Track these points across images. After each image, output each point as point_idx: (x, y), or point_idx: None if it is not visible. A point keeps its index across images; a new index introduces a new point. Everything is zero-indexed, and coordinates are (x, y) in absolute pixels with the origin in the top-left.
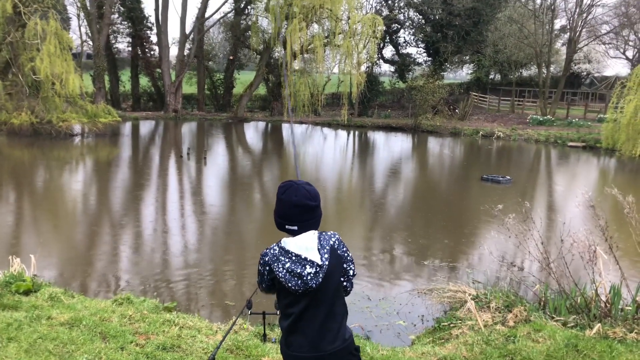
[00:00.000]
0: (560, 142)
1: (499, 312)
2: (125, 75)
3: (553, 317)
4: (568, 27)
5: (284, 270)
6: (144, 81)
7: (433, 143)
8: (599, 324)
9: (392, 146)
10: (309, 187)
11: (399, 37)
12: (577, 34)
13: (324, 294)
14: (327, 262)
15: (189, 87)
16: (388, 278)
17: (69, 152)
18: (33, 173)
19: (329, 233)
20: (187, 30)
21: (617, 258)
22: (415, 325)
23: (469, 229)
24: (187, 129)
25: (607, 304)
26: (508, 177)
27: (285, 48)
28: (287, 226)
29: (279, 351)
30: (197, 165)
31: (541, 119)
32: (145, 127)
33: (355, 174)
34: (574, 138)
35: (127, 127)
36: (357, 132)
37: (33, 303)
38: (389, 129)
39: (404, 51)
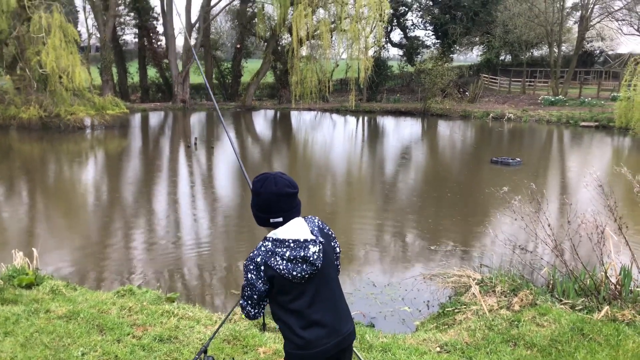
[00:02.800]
0: (572, 122)
1: (505, 297)
2: (133, 67)
3: (561, 300)
4: (580, 4)
5: (285, 261)
6: (152, 72)
7: (443, 126)
8: (607, 307)
9: (401, 131)
10: (285, 176)
11: (407, 20)
12: (589, 10)
13: (328, 274)
14: (322, 241)
15: (197, 77)
16: (394, 263)
17: (78, 145)
18: (43, 167)
19: (310, 216)
20: (193, 20)
21: (627, 238)
22: (420, 311)
23: (477, 212)
24: (196, 119)
25: (617, 286)
26: (518, 159)
27: (291, 34)
28: (271, 219)
29: (276, 341)
30: (206, 155)
31: (553, 99)
32: (154, 118)
33: (365, 160)
34: (587, 118)
35: (135, 119)
36: (366, 118)
37: (34, 296)
38: (398, 113)
39: (412, 34)
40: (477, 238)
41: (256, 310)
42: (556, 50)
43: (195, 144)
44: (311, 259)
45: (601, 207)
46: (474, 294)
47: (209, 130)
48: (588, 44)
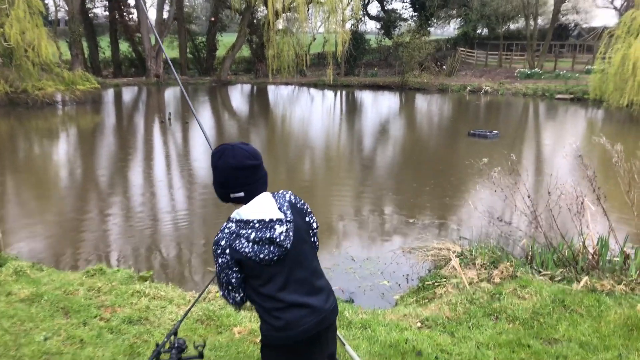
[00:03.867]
0: (548, 94)
1: (485, 269)
2: (104, 42)
3: (540, 272)
4: None
5: (250, 243)
6: (124, 47)
7: (420, 100)
8: (587, 277)
9: (379, 105)
10: (246, 147)
11: None
12: None
13: (301, 253)
14: (292, 218)
15: (171, 52)
16: (373, 237)
17: (47, 121)
18: (12, 144)
19: (281, 191)
20: None
21: (605, 209)
22: (399, 285)
23: (456, 185)
24: (171, 94)
25: (594, 256)
26: (495, 132)
27: (267, 7)
28: (231, 195)
29: (252, 320)
30: (181, 130)
31: (529, 72)
32: (127, 93)
33: (343, 134)
34: (562, 90)
35: (108, 95)
36: (344, 92)
37: None
38: (376, 87)
39: (390, 7)
40: (456, 211)
41: (242, 294)
42: (532, 23)
43: (169, 119)
44: (278, 240)
45: (579, 178)
46: (454, 266)
47: (184, 105)
48: (563, 17)
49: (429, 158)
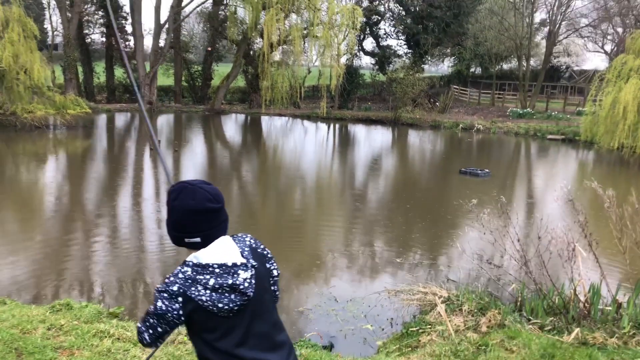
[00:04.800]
0: (539, 134)
1: (472, 316)
2: (100, 67)
3: (530, 320)
4: (548, 20)
5: (208, 291)
6: (119, 72)
7: (413, 136)
8: (578, 329)
9: (372, 139)
10: (208, 187)
11: (379, 28)
12: (557, 26)
13: (262, 303)
14: (254, 263)
15: (166, 79)
16: (358, 277)
17: (35, 144)
18: None
19: (240, 234)
20: (162, 20)
21: (596, 255)
22: (383, 329)
23: (445, 224)
24: (164, 121)
25: (585, 304)
26: (487, 170)
27: (263, 38)
28: (186, 239)
29: None
30: (172, 158)
31: (521, 111)
32: (119, 119)
33: (336, 167)
34: (554, 131)
35: (100, 120)
36: (337, 125)
37: None
38: (369, 121)
39: (384, 43)
40: (445, 251)
41: (153, 343)
42: (525, 64)
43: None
44: (241, 287)
45: (570, 222)
46: (439, 313)
47: (176, 132)
48: (555, 59)
49: (419, 195)
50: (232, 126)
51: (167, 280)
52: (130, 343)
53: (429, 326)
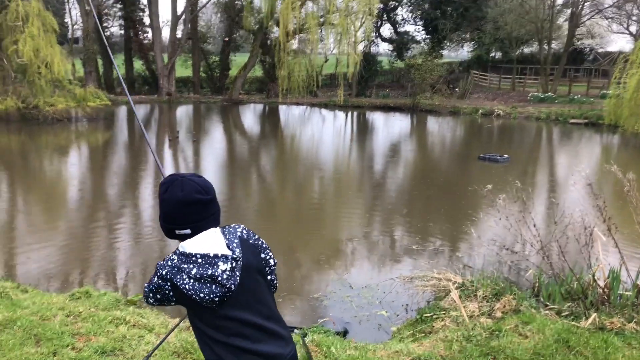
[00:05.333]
0: (561, 119)
1: (487, 301)
2: (119, 59)
3: (547, 305)
4: (570, 1)
5: (191, 280)
6: (138, 65)
7: (432, 122)
8: (595, 314)
9: (390, 126)
10: (198, 179)
11: (397, 14)
12: (580, 8)
13: (253, 294)
14: (240, 255)
15: (185, 70)
16: (374, 263)
17: (57, 137)
18: (22, 160)
19: (232, 225)
20: (179, 11)
21: (616, 240)
22: (398, 315)
23: (463, 211)
24: (182, 112)
25: (604, 290)
26: (506, 156)
27: (279, 27)
28: (177, 231)
29: None
30: (192, 149)
31: (542, 96)
32: (139, 111)
33: (354, 155)
34: (576, 115)
35: (120, 112)
36: (355, 113)
37: None
38: (387, 109)
39: (402, 29)
40: (462, 237)
41: (155, 304)
42: (546, 48)
43: (177, 137)
44: (220, 278)
45: (590, 207)
46: (453, 298)
47: (195, 123)
48: (578, 41)
49: (438, 181)
50: (250, 116)
51: (161, 262)
52: (146, 329)
53: (443, 312)
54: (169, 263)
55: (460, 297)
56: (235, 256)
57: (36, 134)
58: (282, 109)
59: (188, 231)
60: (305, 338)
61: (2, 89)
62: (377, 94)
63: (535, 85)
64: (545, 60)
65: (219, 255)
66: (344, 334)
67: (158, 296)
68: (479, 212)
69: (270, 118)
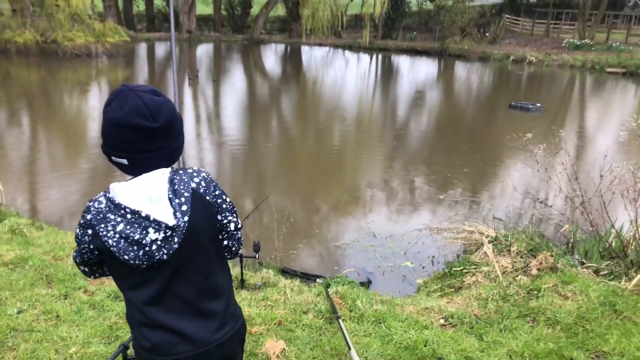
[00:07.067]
0: (598, 67)
1: (521, 257)
2: None
3: (583, 263)
4: None
5: (116, 235)
6: (158, 1)
7: (460, 68)
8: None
9: (416, 71)
10: (149, 97)
11: None
12: None
13: (191, 263)
14: (185, 220)
15: (206, 7)
16: (399, 212)
17: (76, 73)
18: (42, 95)
19: (189, 171)
20: None
21: None
22: (424, 267)
23: (493, 161)
24: (202, 51)
25: None
26: (539, 105)
27: None
28: (112, 157)
29: (250, 304)
30: (213, 89)
31: (578, 42)
32: (159, 48)
33: (377, 100)
34: (614, 63)
35: (140, 49)
36: (380, 56)
37: None
38: (414, 52)
39: None
40: (491, 189)
41: (88, 272)
42: None
43: (197, 76)
44: (146, 248)
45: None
46: (486, 253)
47: (215, 63)
48: None
49: (465, 130)
50: (271, 56)
51: (88, 203)
52: None
53: (474, 267)
54: (96, 206)
55: (493, 251)
56: (173, 224)
57: (55, 70)
58: (305, 49)
59: (124, 161)
60: (329, 289)
61: (20, 21)
62: (403, 37)
63: (570, 31)
64: (584, 4)
65: (151, 219)
66: (368, 284)
67: (85, 257)
68: (509, 162)
69: (292, 59)
